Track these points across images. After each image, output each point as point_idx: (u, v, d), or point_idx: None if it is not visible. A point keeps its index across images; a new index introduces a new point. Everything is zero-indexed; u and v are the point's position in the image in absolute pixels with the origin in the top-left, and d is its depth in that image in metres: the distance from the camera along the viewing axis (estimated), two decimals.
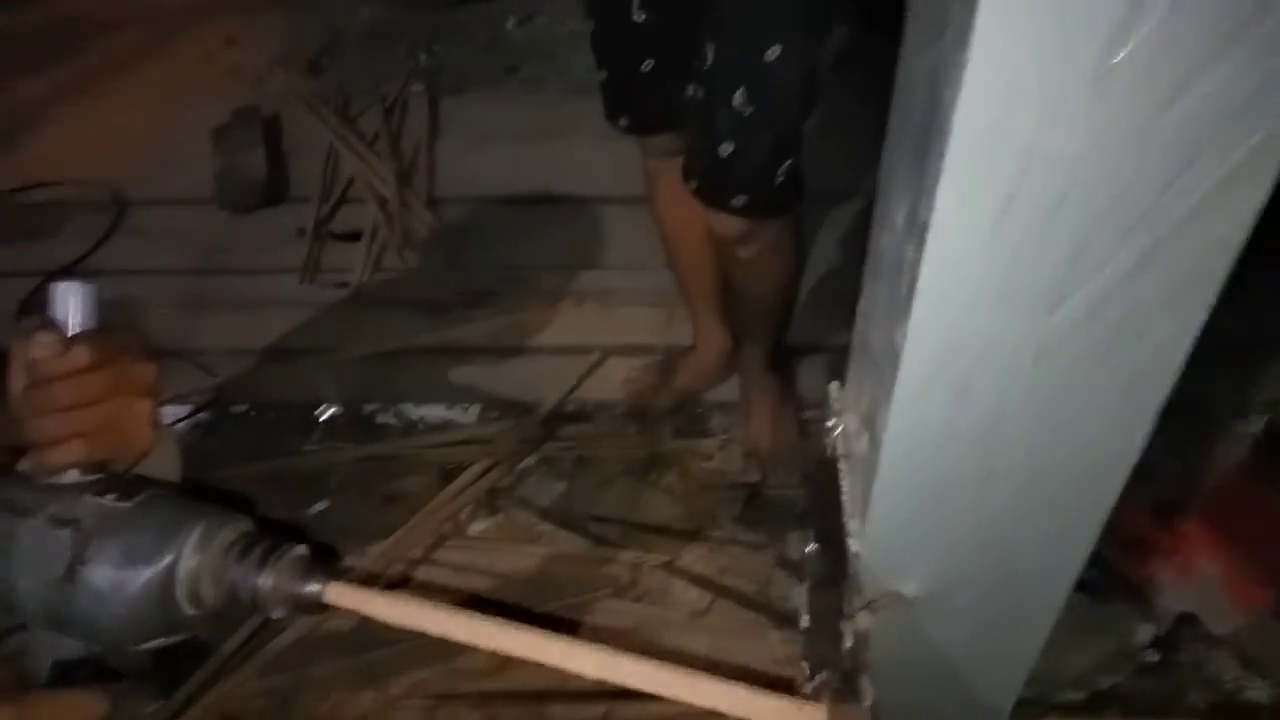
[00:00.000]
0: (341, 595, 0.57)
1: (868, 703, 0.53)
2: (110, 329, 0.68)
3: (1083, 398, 0.39)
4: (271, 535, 0.64)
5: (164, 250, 2.14)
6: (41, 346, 0.64)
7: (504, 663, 1.29)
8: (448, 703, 1.33)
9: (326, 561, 0.61)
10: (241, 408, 1.84)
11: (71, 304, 0.67)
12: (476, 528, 1.57)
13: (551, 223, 2.15)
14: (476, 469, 1.60)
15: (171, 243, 2.16)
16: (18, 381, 0.65)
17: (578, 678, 0.48)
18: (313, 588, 0.58)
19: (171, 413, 1.78)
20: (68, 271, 2.08)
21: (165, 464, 0.76)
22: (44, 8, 3.01)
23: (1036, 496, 0.44)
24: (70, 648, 0.68)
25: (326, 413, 1.79)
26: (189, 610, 0.60)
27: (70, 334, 0.65)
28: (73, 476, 0.63)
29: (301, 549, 0.61)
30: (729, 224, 1.23)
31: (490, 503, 1.60)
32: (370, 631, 1.36)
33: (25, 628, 0.70)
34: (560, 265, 2.02)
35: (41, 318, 0.66)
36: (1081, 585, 1.43)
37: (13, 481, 0.63)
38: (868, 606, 0.50)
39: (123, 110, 2.58)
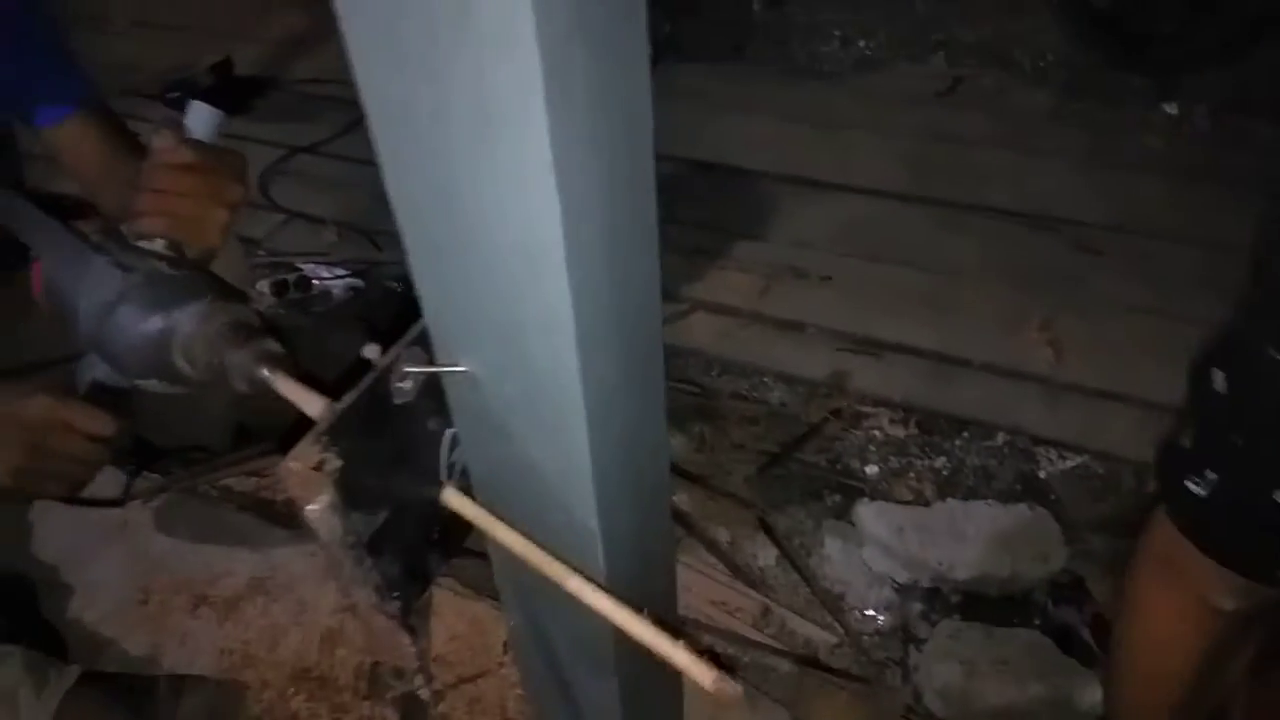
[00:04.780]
0: (286, 387, 0.65)
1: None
2: (220, 149, 0.88)
3: None
4: (264, 330, 0.79)
5: None
6: (161, 138, 0.86)
7: None
8: None
9: (294, 363, 0.71)
10: (395, 285, 2.13)
11: (197, 118, 0.88)
12: None
13: (711, 187, 2.26)
14: None
15: None
16: (144, 170, 0.85)
17: None
18: (264, 373, 0.68)
19: (334, 272, 2.11)
20: (309, 150, 2.51)
21: (232, 271, 0.96)
22: None
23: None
24: (106, 373, 0.86)
25: None
26: (182, 364, 0.75)
27: (186, 138, 0.86)
28: (153, 246, 0.81)
29: (271, 344, 0.72)
30: None
31: None
32: None
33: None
34: (702, 225, 2.12)
35: (174, 121, 0.88)
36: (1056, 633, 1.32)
37: (106, 233, 0.83)
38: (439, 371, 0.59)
39: None
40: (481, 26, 0.40)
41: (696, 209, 2.17)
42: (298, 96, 2.78)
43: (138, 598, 1.27)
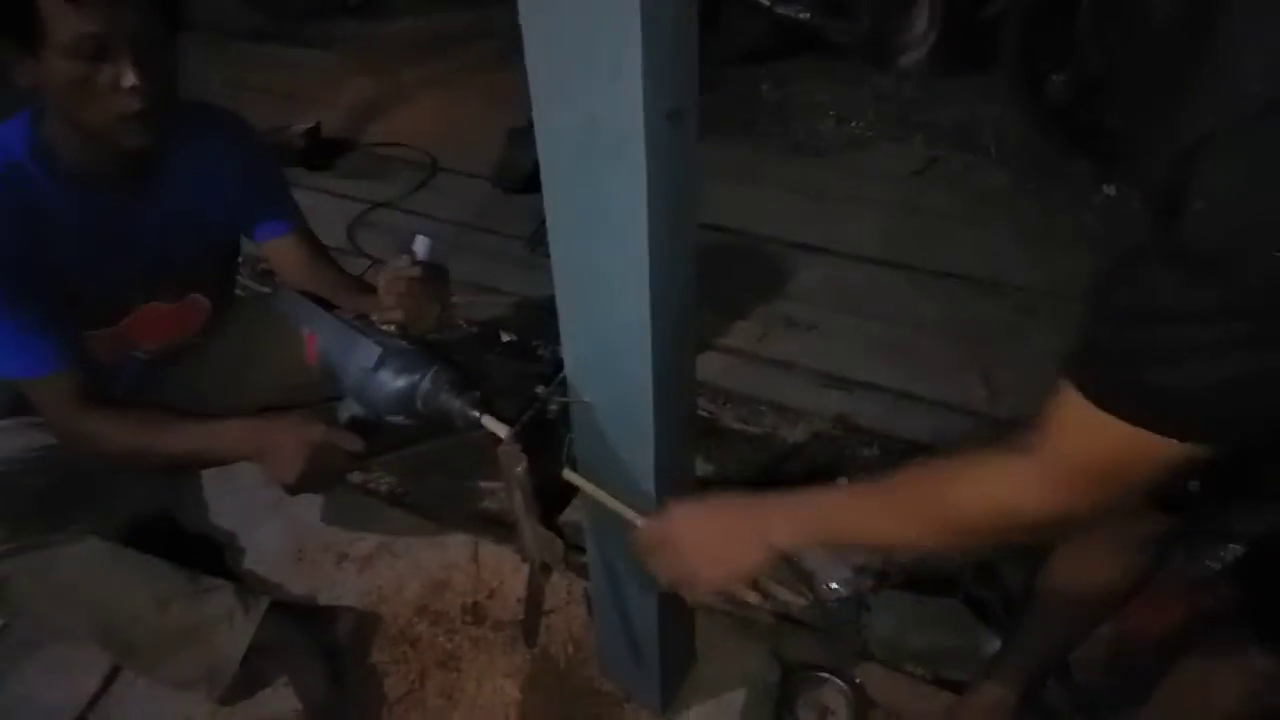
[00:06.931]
0: (488, 421, 1.03)
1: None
2: (434, 266, 1.30)
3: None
4: (472, 382, 1.14)
5: (448, 204, 2.99)
6: (399, 260, 1.30)
7: None
8: None
9: (489, 403, 1.09)
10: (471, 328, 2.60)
11: (421, 245, 1.32)
12: None
13: (718, 248, 2.73)
14: None
15: (455, 201, 3.01)
16: (384, 279, 1.28)
17: None
18: (473, 413, 1.06)
19: None
20: (387, 205, 3.00)
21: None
22: (427, 19, 4.10)
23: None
24: (358, 411, 1.23)
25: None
26: (421, 406, 1.12)
27: (416, 260, 1.30)
28: (390, 329, 1.22)
29: (476, 394, 1.10)
30: None
31: None
32: None
33: (339, 398, 1.26)
34: (710, 280, 2.57)
35: (405, 248, 1.30)
36: (973, 604, 1.82)
37: (364, 321, 1.24)
38: (570, 401, 1.06)
39: (460, 103, 3.51)
40: (601, 141, 0.85)
41: (705, 266, 2.62)
42: (372, 157, 3.27)
43: (295, 555, 1.73)
